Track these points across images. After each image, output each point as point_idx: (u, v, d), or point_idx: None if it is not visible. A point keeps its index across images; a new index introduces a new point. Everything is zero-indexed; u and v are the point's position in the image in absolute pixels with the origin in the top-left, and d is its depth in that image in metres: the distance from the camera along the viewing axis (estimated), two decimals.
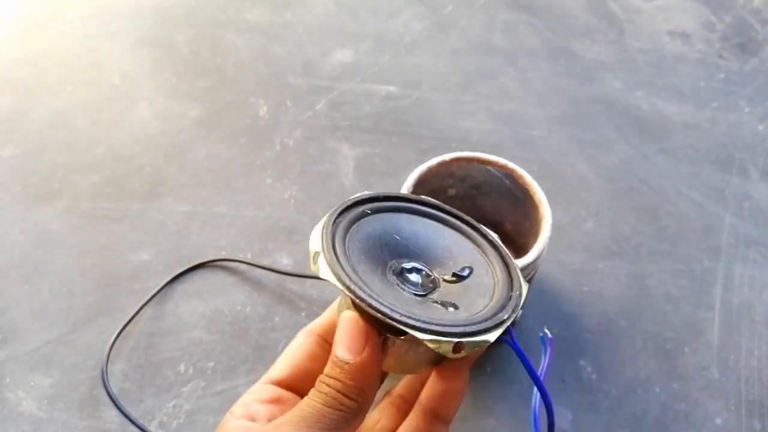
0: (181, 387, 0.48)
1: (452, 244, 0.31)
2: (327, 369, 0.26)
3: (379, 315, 0.24)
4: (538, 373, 0.28)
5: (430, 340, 0.24)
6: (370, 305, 0.24)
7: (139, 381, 0.48)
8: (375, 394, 0.27)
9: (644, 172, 0.63)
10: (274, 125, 0.66)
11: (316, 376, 0.26)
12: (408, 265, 0.29)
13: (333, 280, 0.25)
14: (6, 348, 0.50)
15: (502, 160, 0.48)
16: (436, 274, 0.29)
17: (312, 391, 0.26)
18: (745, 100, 0.71)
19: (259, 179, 0.61)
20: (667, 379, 0.49)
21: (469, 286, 0.29)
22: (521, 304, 0.28)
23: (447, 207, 0.32)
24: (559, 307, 0.53)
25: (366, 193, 0.31)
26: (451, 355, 0.24)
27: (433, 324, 0.24)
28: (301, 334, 0.31)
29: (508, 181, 0.49)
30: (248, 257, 0.55)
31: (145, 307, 0.52)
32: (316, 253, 0.26)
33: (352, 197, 0.30)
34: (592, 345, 0.50)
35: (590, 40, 0.76)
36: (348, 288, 0.25)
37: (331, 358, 0.26)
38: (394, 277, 0.28)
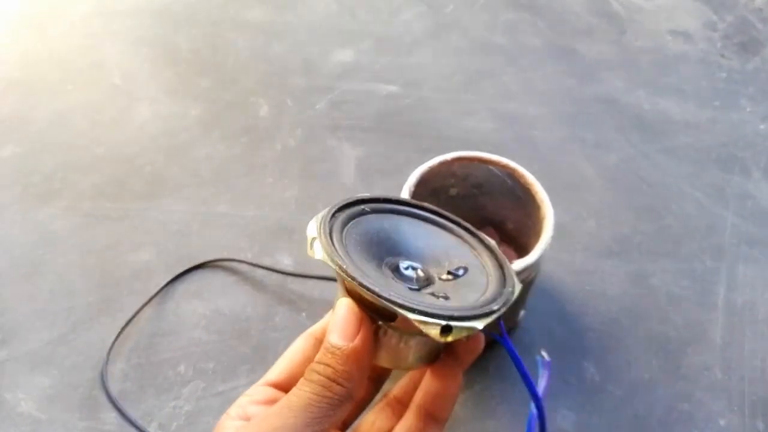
0: (181, 388, 0.48)
1: (449, 247, 0.31)
2: (318, 356, 0.26)
3: (368, 294, 0.25)
4: (538, 392, 0.29)
5: (418, 321, 0.24)
6: (360, 283, 0.25)
7: (139, 381, 0.48)
8: (364, 383, 0.27)
9: (646, 172, 0.63)
10: (274, 125, 0.66)
11: None
12: (404, 264, 0.29)
13: (327, 260, 0.26)
14: (5, 348, 0.49)
15: (503, 160, 0.48)
16: (431, 272, 0.30)
17: (301, 381, 0.26)
18: (746, 99, 0.70)
19: (260, 179, 0.61)
20: (670, 379, 0.48)
21: (463, 283, 0.29)
22: (512, 299, 0.28)
23: (445, 213, 0.33)
24: (562, 306, 0.52)
25: (366, 194, 0.31)
26: (439, 339, 0.24)
27: (422, 305, 0.25)
28: (301, 337, 0.31)
29: (509, 181, 0.48)
30: (249, 257, 0.55)
31: (146, 307, 0.51)
32: (313, 239, 0.27)
33: (352, 196, 0.31)
34: (595, 345, 0.50)
35: (592, 39, 0.76)
36: (340, 267, 0.25)
37: (324, 344, 0.26)
38: (389, 272, 0.29)
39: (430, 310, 0.24)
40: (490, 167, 0.48)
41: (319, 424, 0.25)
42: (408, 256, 0.30)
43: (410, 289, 0.28)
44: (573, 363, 0.49)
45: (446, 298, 0.28)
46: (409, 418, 0.29)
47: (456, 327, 0.25)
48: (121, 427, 0.46)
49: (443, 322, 0.24)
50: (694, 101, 0.70)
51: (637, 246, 0.57)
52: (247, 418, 0.27)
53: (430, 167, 0.47)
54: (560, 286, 0.54)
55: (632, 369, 0.49)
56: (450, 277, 0.30)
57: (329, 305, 0.32)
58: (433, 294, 0.28)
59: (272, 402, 0.28)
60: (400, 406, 0.30)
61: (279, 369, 0.30)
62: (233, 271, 0.54)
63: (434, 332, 0.24)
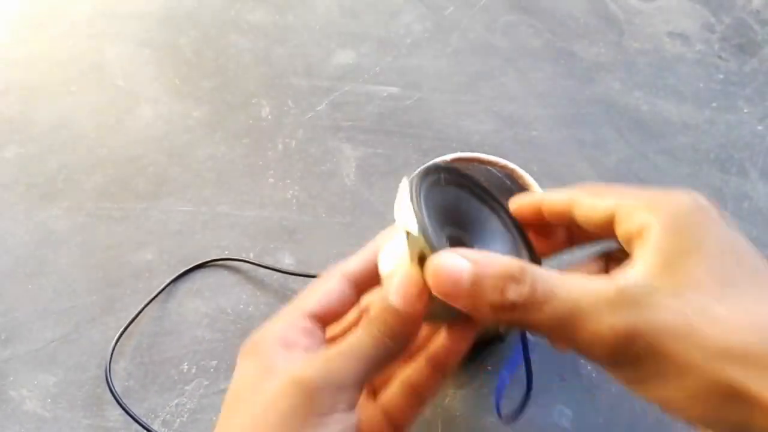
0: (185, 386, 0.48)
1: (495, 228, 0.35)
2: (379, 312, 0.28)
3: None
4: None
5: None
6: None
7: (143, 380, 0.48)
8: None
9: (644, 172, 0.63)
10: (276, 126, 0.66)
11: (340, 318, 0.30)
12: (461, 236, 0.33)
13: (418, 233, 0.27)
14: (10, 347, 0.50)
15: (502, 161, 0.48)
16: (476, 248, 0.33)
17: (362, 330, 0.28)
18: (744, 100, 0.71)
19: (262, 179, 0.61)
20: None
21: None
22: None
23: (493, 194, 0.36)
24: None
25: (439, 160, 0.36)
26: None
27: None
28: (337, 275, 0.31)
29: (508, 182, 0.49)
30: (251, 257, 0.55)
31: (149, 307, 0.52)
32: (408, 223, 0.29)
33: (431, 162, 0.36)
34: None
35: (590, 41, 0.76)
36: (428, 241, 0.27)
37: (386, 302, 0.28)
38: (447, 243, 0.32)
39: None
40: (490, 168, 0.49)
41: (374, 373, 0.28)
42: (462, 229, 0.33)
43: None
44: (570, 360, 0.50)
45: None
46: (419, 363, 0.30)
47: None
48: (125, 425, 0.46)
49: None
50: (692, 102, 0.70)
51: None
52: (287, 344, 0.29)
53: None
54: None
55: None
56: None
57: None
58: None
59: (310, 333, 0.29)
60: (411, 355, 0.32)
61: (315, 301, 0.31)
62: (235, 271, 0.55)
63: None
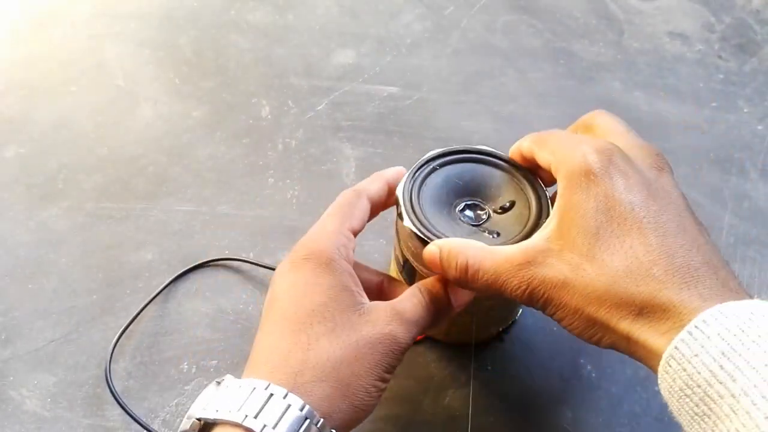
0: (185, 385, 0.48)
1: (501, 183, 0.42)
2: (430, 281, 0.38)
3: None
4: None
5: None
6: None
7: (143, 379, 0.48)
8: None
9: None
10: (276, 126, 0.66)
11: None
12: (470, 202, 0.41)
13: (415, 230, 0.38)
14: (10, 347, 0.50)
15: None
16: (488, 208, 0.41)
17: (421, 300, 0.37)
18: (744, 100, 0.71)
19: (262, 179, 0.61)
20: None
21: (511, 216, 0.40)
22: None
23: (498, 153, 0.43)
24: None
25: (432, 152, 0.42)
26: None
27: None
28: (364, 197, 0.41)
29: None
30: (251, 256, 0.55)
31: (149, 306, 0.52)
32: (399, 213, 0.40)
33: (426, 156, 0.42)
34: None
35: (590, 40, 0.77)
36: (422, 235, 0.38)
37: (444, 288, 0.38)
38: (458, 213, 0.40)
39: None
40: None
41: (417, 333, 0.36)
42: (471, 196, 0.41)
43: (471, 225, 0.40)
44: (570, 360, 0.50)
45: (498, 234, 0.39)
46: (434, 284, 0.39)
47: None
48: (125, 425, 0.46)
49: None
50: (692, 102, 0.70)
51: None
52: (350, 262, 0.37)
53: None
54: None
55: (629, 367, 0.49)
56: (501, 211, 0.40)
57: None
58: (487, 231, 0.39)
59: (351, 246, 0.39)
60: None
61: (358, 221, 0.40)
62: (235, 271, 0.55)
63: None
